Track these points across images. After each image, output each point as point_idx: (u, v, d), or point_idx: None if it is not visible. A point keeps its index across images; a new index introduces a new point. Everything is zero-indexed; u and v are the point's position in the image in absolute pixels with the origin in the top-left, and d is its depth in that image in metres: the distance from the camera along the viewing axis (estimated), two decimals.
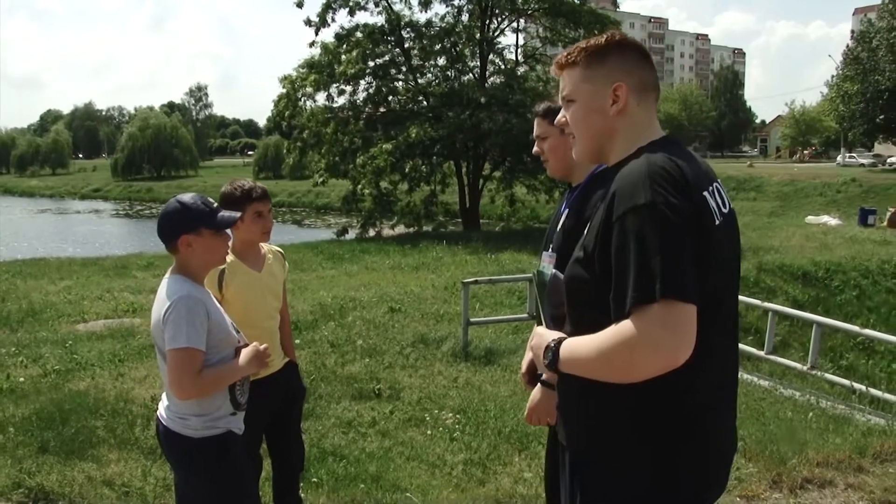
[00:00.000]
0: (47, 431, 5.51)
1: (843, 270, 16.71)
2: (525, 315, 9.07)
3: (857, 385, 7.94)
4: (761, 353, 8.81)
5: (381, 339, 8.46)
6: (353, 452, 5.22)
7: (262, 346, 3.02)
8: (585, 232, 1.94)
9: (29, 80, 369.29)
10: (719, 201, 1.91)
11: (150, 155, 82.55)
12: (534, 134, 2.90)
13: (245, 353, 2.96)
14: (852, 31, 55.34)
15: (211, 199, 2.99)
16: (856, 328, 9.12)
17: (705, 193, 1.83)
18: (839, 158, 61.60)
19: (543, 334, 2.02)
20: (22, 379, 6.97)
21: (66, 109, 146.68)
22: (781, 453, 5.03)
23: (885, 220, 25.91)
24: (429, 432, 5.65)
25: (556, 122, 2.39)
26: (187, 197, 2.91)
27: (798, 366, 8.40)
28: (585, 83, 2.02)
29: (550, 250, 2.72)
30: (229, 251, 3.15)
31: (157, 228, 2.89)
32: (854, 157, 58.82)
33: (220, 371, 2.87)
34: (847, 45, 51.72)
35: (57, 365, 7.48)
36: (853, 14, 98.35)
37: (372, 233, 25.92)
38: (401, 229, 26.56)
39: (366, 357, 7.75)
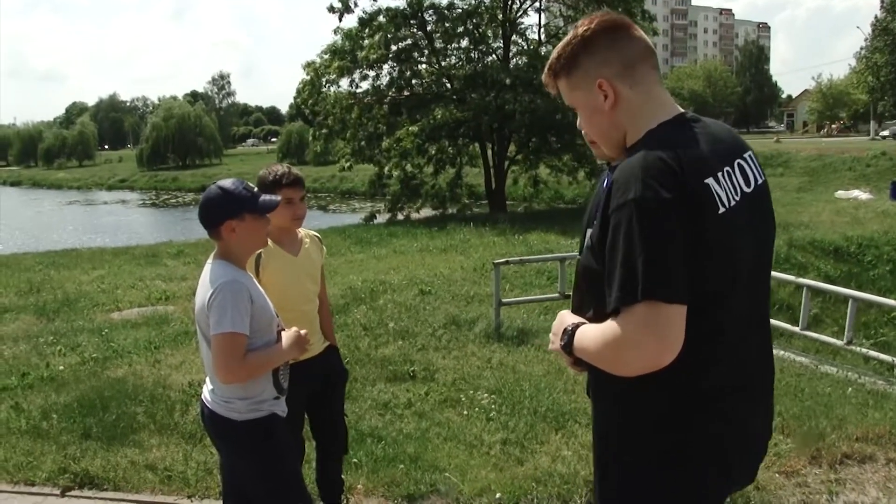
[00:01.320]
0: (89, 418, 5.61)
1: (876, 245, 16.44)
2: (556, 295, 8.99)
3: None
4: (796, 329, 8.71)
5: (412, 322, 8.45)
6: (390, 434, 5.23)
7: (303, 332, 3.05)
8: (594, 221, 1.91)
9: (52, 73, 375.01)
10: (739, 181, 1.86)
11: (174, 144, 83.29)
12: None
13: (286, 337, 2.98)
14: (882, 1, 54.12)
15: (251, 184, 3.01)
16: (892, 302, 8.98)
17: (709, 180, 1.76)
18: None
19: (564, 317, 2.02)
20: (61, 367, 7.08)
21: (90, 101, 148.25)
22: (820, 429, 4.99)
23: None
24: (465, 413, 5.64)
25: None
26: (228, 182, 2.92)
27: (834, 341, 8.30)
28: (574, 90, 1.99)
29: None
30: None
31: (199, 214, 2.91)
32: None
33: (265, 355, 2.89)
34: (876, 16, 50.86)
35: (94, 353, 7.59)
36: None
37: (401, 217, 25.97)
38: (427, 212, 26.60)
39: (399, 339, 7.76)
